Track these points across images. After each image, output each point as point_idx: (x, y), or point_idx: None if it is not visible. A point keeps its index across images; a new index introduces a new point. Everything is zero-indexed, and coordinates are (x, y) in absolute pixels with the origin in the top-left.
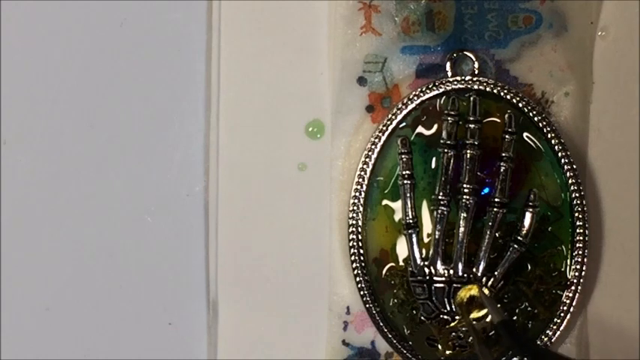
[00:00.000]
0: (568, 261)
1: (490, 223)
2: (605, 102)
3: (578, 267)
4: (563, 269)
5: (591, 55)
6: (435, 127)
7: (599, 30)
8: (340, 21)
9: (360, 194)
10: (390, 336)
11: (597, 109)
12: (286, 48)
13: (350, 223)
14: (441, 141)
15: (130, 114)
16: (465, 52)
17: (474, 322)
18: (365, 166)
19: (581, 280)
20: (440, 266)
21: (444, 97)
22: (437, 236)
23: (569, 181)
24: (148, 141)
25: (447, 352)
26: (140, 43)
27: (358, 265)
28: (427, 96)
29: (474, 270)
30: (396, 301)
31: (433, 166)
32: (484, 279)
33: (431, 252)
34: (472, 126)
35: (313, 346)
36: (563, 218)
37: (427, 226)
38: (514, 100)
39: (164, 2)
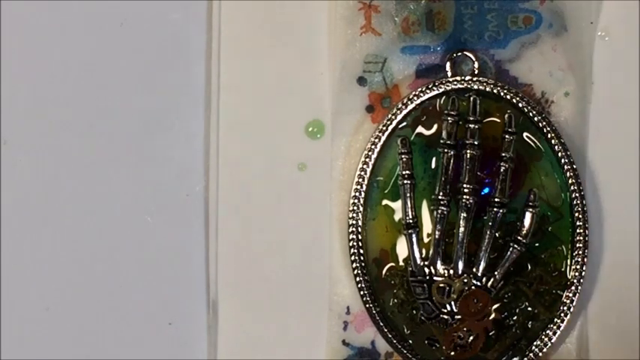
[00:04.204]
0: (568, 261)
1: (490, 223)
2: (605, 102)
3: (578, 267)
4: (563, 269)
5: (591, 55)
6: (435, 127)
7: (599, 30)
8: (340, 21)
9: (360, 194)
10: (390, 336)
11: (597, 109)
12: (286, 48)
13: (350, 223)
14: (441, 141)
15: (129, 114)
16: (465, 52)
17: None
18: (365, 166)
19: (581, 280)
20: (440, 266)
21: (444, 97)
22: (437, 236)
23: (569, 181)
24: (147, 141)
25: (451, 353)
26: (140, 43)
27: (358, 265)
28: (427, 96)
29: (474, 270)
30: (396, 301)
31: (433, 166)
32: (484, 279)
33: (431, 252)
34: (472, 126)
35: (313, 346)
36: (563, 218)
37: (427, 226)
38: (514, 100)
39: (164, 2)
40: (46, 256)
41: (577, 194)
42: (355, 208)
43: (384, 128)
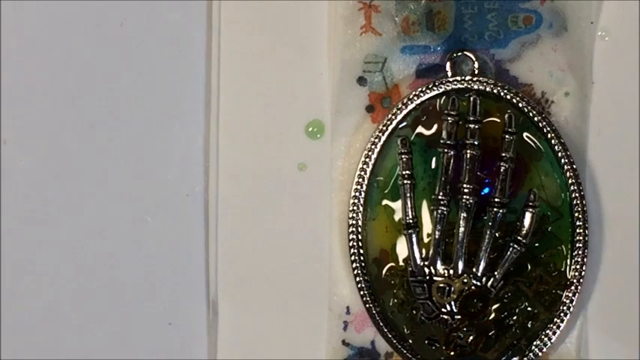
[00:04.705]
0: (568, 261)
1: (490, 223)
2: (605, 102)
3: (578, 267)
4: (563, 269)
5: (591, 55)
6: (435, 127)
7: (599, 30)
8: (340, 21)
9: (360, 194)
10: (390, 336)
11: (597, 109)
12: (286, 48)
13: (350, 223)
14: (441, 141)
15: (129, 114)
16: (465, 52)
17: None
18: (365, 166)
19: (581, 280)
20: (440, 266)
21: (444, 97)
22: (437, 236)
23: (569, 181)
24: (147, 141)
25: (451, 353)
26: (140, 43)
27: (358, 265)
28: (427, 96)
29: (474, 270)
30: (396, 301)
31: (433, 166)
32: (484, 279)
33: (431, 252)
34: (472, 126)
35: (313, 346)
36: (563, 218)
37: (427, 226)
38: (514, 100)
39: (164, 2)
40: (46, 256)
41: (577, 194)
42: (355, 208)
43: (384, 128)
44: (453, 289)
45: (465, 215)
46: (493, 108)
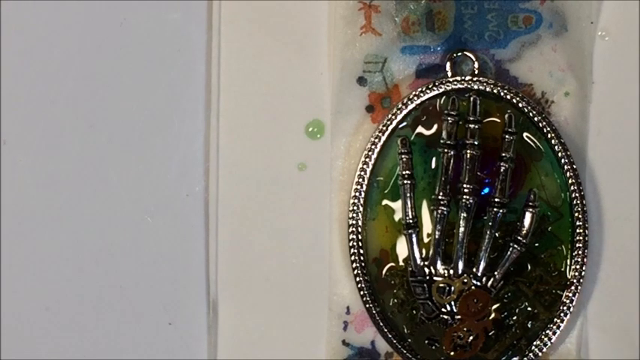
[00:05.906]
0: (568, 261)
1: (490, 223)
2: (605, 102)
3: (578, 267)
4: (563, 269)
5: (591, 55)
6: (435, 127)
7: (599, 30)
8: (340, 21)
9: (360, 194)
10: (390, 336)
11: (597, 109)
12: (286, 48)
13: (350, 223)
14: (441, 141)
15: (129, 114)
16: (465, 52)
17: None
18: (365, 166)
19: (581, 280)
20: (440, 266)
21: (444, 97)
22: (437, 236)
23: (569, 181)
24: (147, 141)
25: (451, 353)
26: (140, 43)
27: (358, 265)
28: (427, 96)
29: (474, 270)
30: (396, 301)
31: (433, 166)
32: (484, 279)
33: (431, 252)
34: (472, 126)
35: (313, 346)
36: (563, 218)
37: (427, 226)
38: (514, 100)
39: (164, 2)
40: (46, 256)
41: (577, 194)
42: (355, 208)
43: (384, 128)
44: (453, 289)
45: (465, 215)
46: (493, 108)
